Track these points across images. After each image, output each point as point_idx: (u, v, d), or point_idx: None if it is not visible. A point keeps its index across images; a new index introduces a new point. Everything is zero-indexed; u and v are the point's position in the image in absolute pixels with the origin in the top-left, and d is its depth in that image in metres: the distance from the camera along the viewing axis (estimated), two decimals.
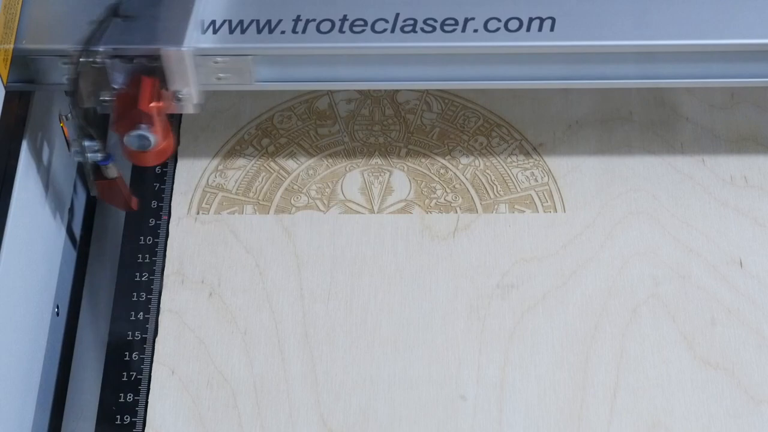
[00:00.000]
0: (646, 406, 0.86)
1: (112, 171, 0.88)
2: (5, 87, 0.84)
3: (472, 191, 0.96)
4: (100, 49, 0.82)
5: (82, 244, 0.97)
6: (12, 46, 0.84)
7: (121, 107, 0.83)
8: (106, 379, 0.89)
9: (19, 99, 0.88)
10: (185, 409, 0.87)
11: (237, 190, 0.97)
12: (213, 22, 0.85)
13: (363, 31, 0.85)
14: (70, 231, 0.95)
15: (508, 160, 0.98)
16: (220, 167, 0.98)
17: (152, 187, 0.97)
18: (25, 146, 0.87)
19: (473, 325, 0.90)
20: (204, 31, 0.85)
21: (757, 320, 0.90)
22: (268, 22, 0.85)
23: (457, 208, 0.95)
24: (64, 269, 0.94)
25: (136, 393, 0.88)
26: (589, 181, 0.96)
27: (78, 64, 0.82)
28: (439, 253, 0.93)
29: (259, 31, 0.85)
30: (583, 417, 0.86)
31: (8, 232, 0.83)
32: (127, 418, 0.87)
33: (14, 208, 0.84)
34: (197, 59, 0.84)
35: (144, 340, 0.90)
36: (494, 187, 0.96)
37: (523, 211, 0.95)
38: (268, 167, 0.98)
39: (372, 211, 0.96)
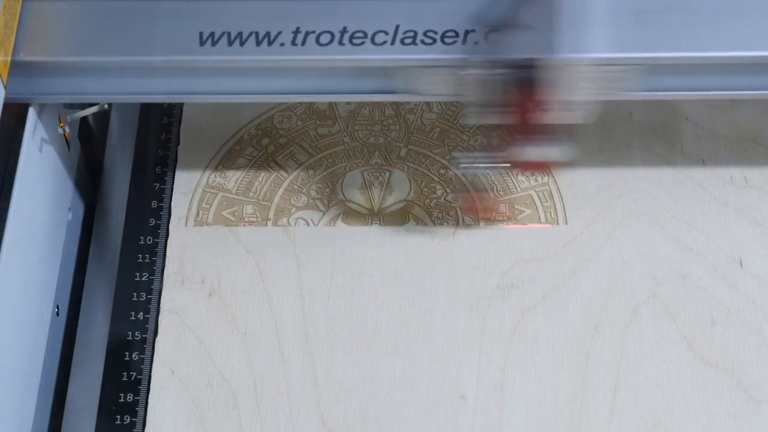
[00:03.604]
0: (646, 406, 0.86)
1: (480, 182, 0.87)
2: (5, 88, 0.84)
3: (473, 191, 0.96)
4: (485, 59, 0.82)
5: (82, 244, 0.97)
6: (10, 57, 0.84)
7: (514, 118, 0.83)
8: (106, 379, 0.89)
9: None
10: (185, 409, 0.87)
11: (237, 190, 0.97)
12: (588, 30, 0.85)
13: (363, 43, 0.85)
14: (70, 231, 0.95)
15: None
16: (220, 167, 0.98)
17: (152, 187, 0.97)
18: (25, 146, 0.86)
19: (473, 326, 0.90)
20: (581, 40, 0.84)
21: (757, 320, 0.90)
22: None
23: (457, 208, 0.95)
24: (64, 269, 0.94)
25: (136, 393, 0.88)
26: (589, 182, 0.96)
27: (483, 75, 0.82)
28: (439, 254, 0.93)
29: None
30: (583, 417, 0.86)
31: (8, 232, 0.83)
32: (127, 418, 0.87)
33: (14, 208, 0.84)
34: (580, 68, 0.83)
35: (144, 340, 0.90)
36: (494, 187, 0.96)
37: (523, 211, 0.95)
38: (268, 167, 0.98)
39: (372, 211, 0.96)
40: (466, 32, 0.86)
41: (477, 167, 0.88)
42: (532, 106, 0.82)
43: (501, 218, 0.95)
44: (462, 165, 0.87)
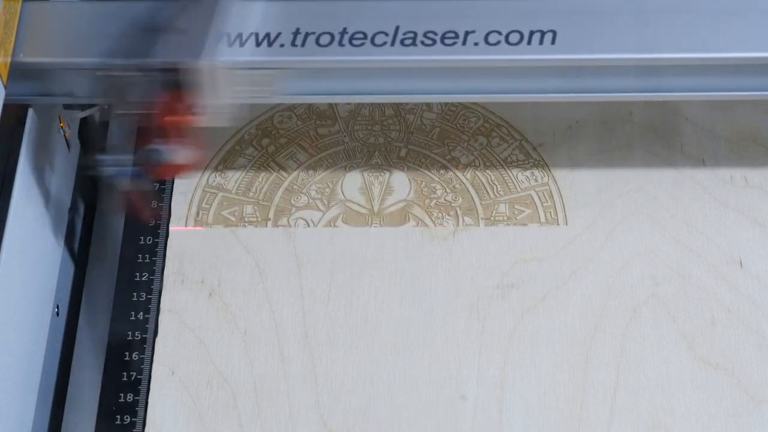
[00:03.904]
0: (646, 406, 0.86)
1: (133, 183, 0.86)
2: (5, 89, 0.84)
3: (472, 191, 0.96)
4: (129, 62, 0.82)
5: (82, 244, 0.97)
6: (10, 58, 0.84)
7: (149, 121, 0.83)
8: (106, 378, 0.89)
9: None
10: (185, 409, 0.87)
11: (237, 190, 0.97)
12: (239, 36, 0.85)
13: (363, 44, 0.85)
14: (70, 231, 0.95)
15: (508, 160, 0.98)
16: (220, 167, 0.98)
17: (152, 187, 0.97)
18: (25, 146, 0.86)
19: (473, 326, 0.90)
20: (231, 44, 0.84)
21: (757, 320, 0.90)
22: (267, 35, 0.85)
23: (457, 208, 0.95)
24: (64, 269, 0.94)
25: (136, 393, 0.88)
26: (589, 182, 0.96)
27: (108, 78, 0.82)
28: (439, 254, 0.93)
29: (270, 45, 0.85)
30: (583, 417, 0.86)
31: (8, 232, 0.83)
32: (127, 418, 0.87)
33: (14, 208, 0.84)
34: (224, 73, 0.83)
35: (144, 340, 0.90)
36: (494, 187, 0.97)
37: (523, 211, 0.95)
38: (268, 167, 0.98)
39: (372, 211, 0.96)
40: (466, 33, 0.86)
41: (119, 170, 0.86)
42: (176, 109, 0.82)
43: (501, 218, 0.95)
44: (104, 168, 0.85)
